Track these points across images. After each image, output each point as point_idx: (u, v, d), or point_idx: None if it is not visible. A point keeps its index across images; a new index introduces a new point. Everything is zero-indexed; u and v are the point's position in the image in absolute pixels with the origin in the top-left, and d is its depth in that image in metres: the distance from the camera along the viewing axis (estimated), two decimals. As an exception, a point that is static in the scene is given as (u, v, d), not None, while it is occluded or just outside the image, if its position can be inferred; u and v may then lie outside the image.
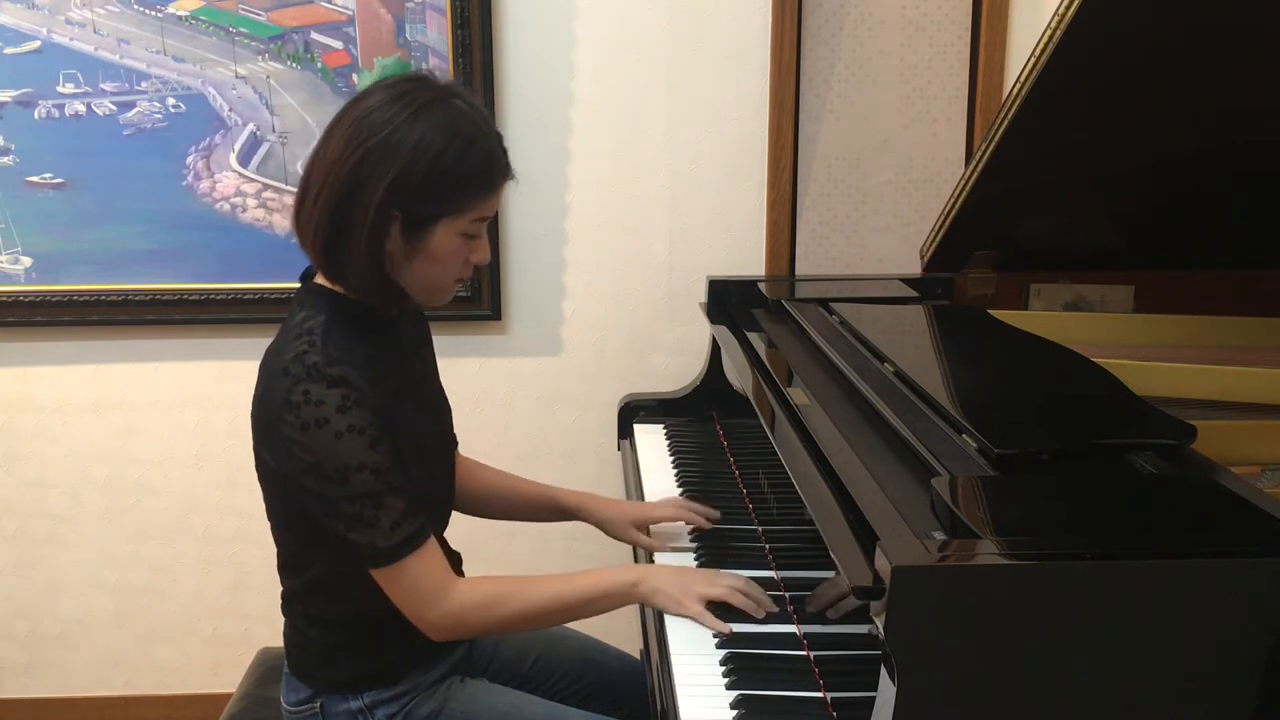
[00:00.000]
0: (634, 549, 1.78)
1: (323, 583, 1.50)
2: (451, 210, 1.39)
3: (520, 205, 2.40)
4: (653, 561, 1.67)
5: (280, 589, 1.58)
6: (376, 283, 1.41)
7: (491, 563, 2.53)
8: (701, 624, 1.44)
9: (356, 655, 1.51)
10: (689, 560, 1.66)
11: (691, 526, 1.72)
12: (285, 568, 1.54)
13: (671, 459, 2.03)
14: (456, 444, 1.74)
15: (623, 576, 1.49)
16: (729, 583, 1.47)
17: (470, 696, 1.56)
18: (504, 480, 1.81)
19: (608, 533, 1.76)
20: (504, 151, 1.43)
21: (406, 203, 1.36)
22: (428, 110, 1.36)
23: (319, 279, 1.46)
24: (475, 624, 1.47)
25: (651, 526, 1.74)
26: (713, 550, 1.66)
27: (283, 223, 2.37)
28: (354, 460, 1.35)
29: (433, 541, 1.44)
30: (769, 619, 1.45)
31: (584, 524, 1.79)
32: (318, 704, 1.53)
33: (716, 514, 1.73)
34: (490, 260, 1.50)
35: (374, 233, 1.36)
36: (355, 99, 1.41)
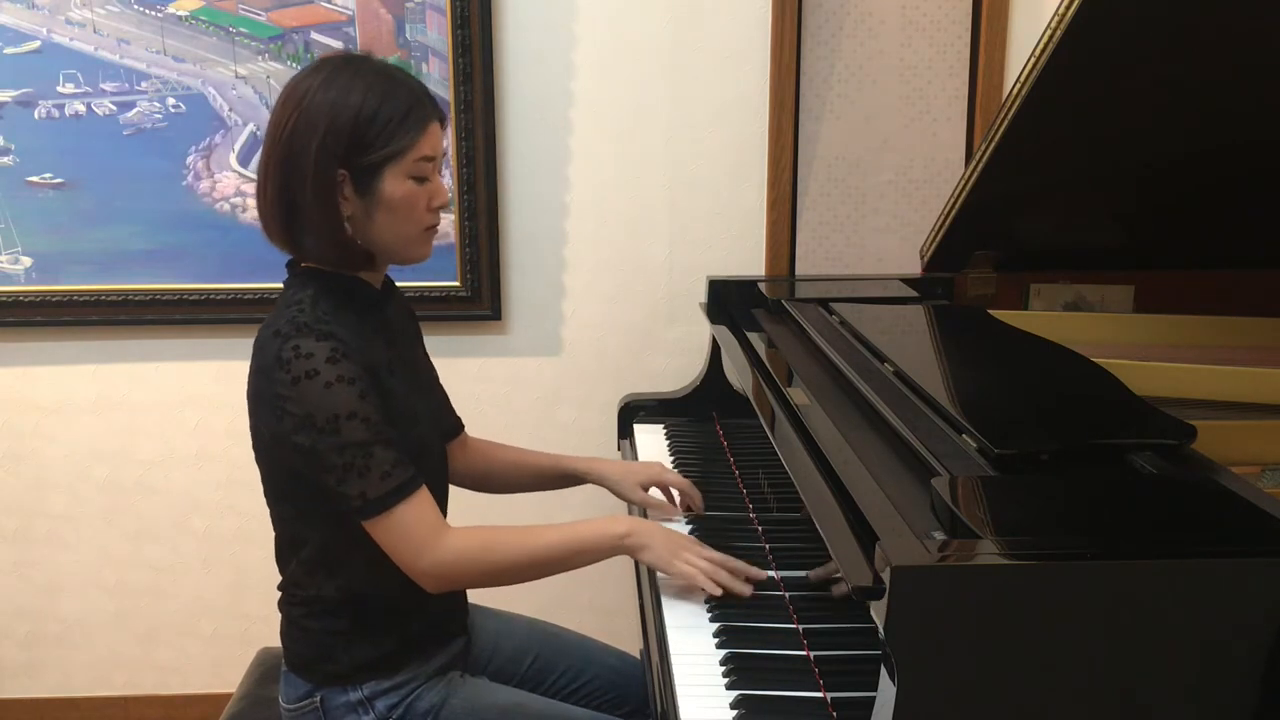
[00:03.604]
0: (639, 510, 1.80)
1: (319, 559, 1.51)
2: (390, 155, 1.42)
3: (520, 205, 2.40)
4: None
5: (277, 586, 1.59)
6: (338, 244, 1.45)
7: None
8: (691, 583, 1.47)
9: (355, 645, 1.52)
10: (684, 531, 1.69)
11: (687, 512, 1.76)
12: (282, 549, 1.56)
13: (671, 459, 2.03)
14: (461, 429, 1.78)
15: (614, 527, 1.51)
16: (713, 556, 1.50)
17: (472, 691, 1.57)
18: (513, 454, 1.85)
19: (616, 493, 1.79)
20: (428, 94, 1.47)
21: (344, 158, 1.41)
22: (341, 71, 1.43)
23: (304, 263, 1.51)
24: (469, 571, 1.47)
25: (654, 490, 1.78)
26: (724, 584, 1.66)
27: (283, 223, 2.37)
28: (344, 409, 1.38)
29: (425, 490, 1.45)
30: (769, 618, 1.45)
31: (586, 510, 1.80)
32: (318, 698, 1.54)
33: (702, 505, 1.78)
34: (449, 202, 1.57)
35: (321, 194, 1.41)
36: (283, 88, 1.47)
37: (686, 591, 1.50)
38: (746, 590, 1.48)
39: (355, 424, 1.38)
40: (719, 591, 1.47)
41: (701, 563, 1.49)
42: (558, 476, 1.83)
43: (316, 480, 1.42)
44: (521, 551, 1.49)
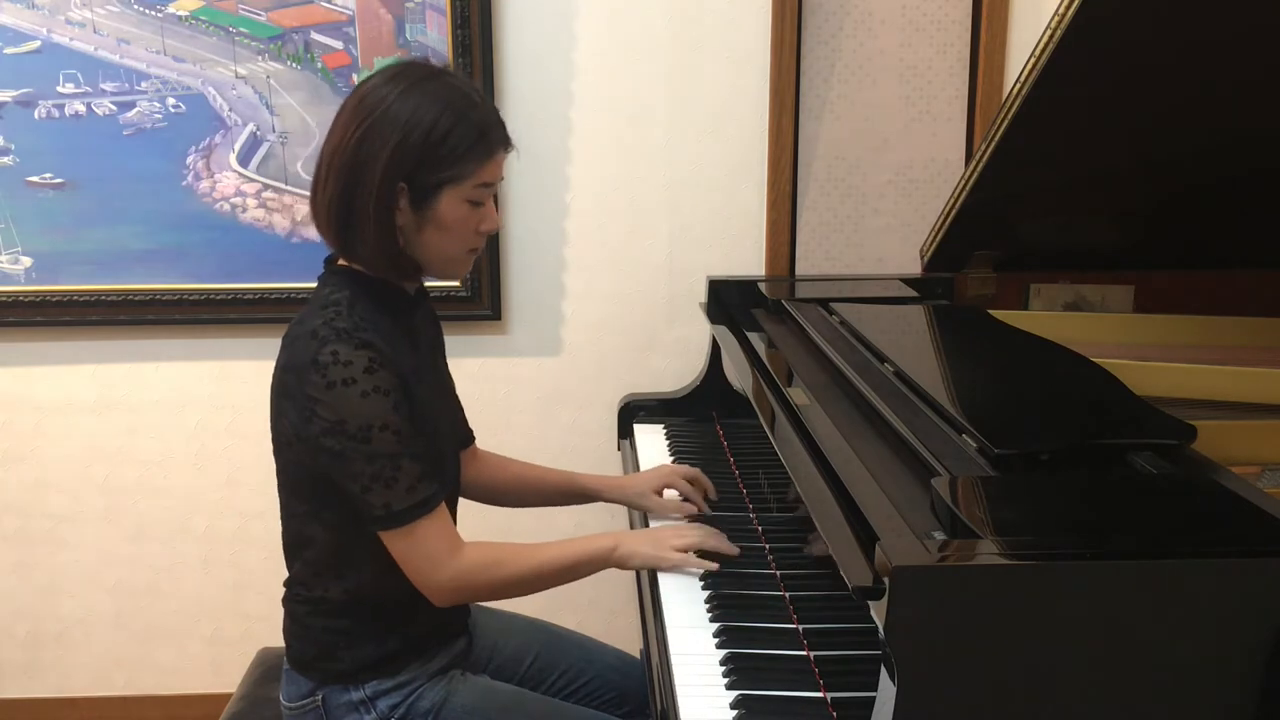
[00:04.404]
0: (641, 518, 1.82)
1: (324, 561, 1.51)
2: (453, 177, 1.44)
3: (520, 205, 2.40)
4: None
5: (281, 585, 1.59)
6: (390, 255, 1.46)
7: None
8: (686, 568, 1.54)
9: (357, 644, 1.52)
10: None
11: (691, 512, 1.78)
12: (291, 546, 1.56)
13: (671, 459, 2.03)
14: (473, 439, 1.81)
15: (602, 543, 1.56)
16: (696, 530, 1.58)
17: (473, 690, 1.57)
18: (526, 470, 1.86)
19: (634, 505, 1.82)
20: (500, 123, 1.49)
21: (409, 173, 1.42)
22: (421, 85, 1.43)
23: (342, 260, 1.52)
24: (479, 586, 1.51)
25: (666, 493, 1.81)
26: (712, 550, 1.66)
27: (283, 222, 2.37)
28: (378, 420, 1.39)
29: (443, 507, 1.47)
30: (769, 618, 1.45)
31: (577, 513, 1.81)
32: (319, 697, 1.54)
33: (714, 491, 1.81)
34: (498, 229, 1.59)
35: (381, 204, 1.42)
36: (355, 87, 1.48)
37: (686, 589, 1.51)
38: (734, 550, 1.56)
39: (387, 435, 1.40)
40: (716, 566, 1.53)
41: (691, 536, 1.56)
42: (573, 493, 1.85)
43: (340, 485, 1.42)
44: (526, 567, 1.52)
